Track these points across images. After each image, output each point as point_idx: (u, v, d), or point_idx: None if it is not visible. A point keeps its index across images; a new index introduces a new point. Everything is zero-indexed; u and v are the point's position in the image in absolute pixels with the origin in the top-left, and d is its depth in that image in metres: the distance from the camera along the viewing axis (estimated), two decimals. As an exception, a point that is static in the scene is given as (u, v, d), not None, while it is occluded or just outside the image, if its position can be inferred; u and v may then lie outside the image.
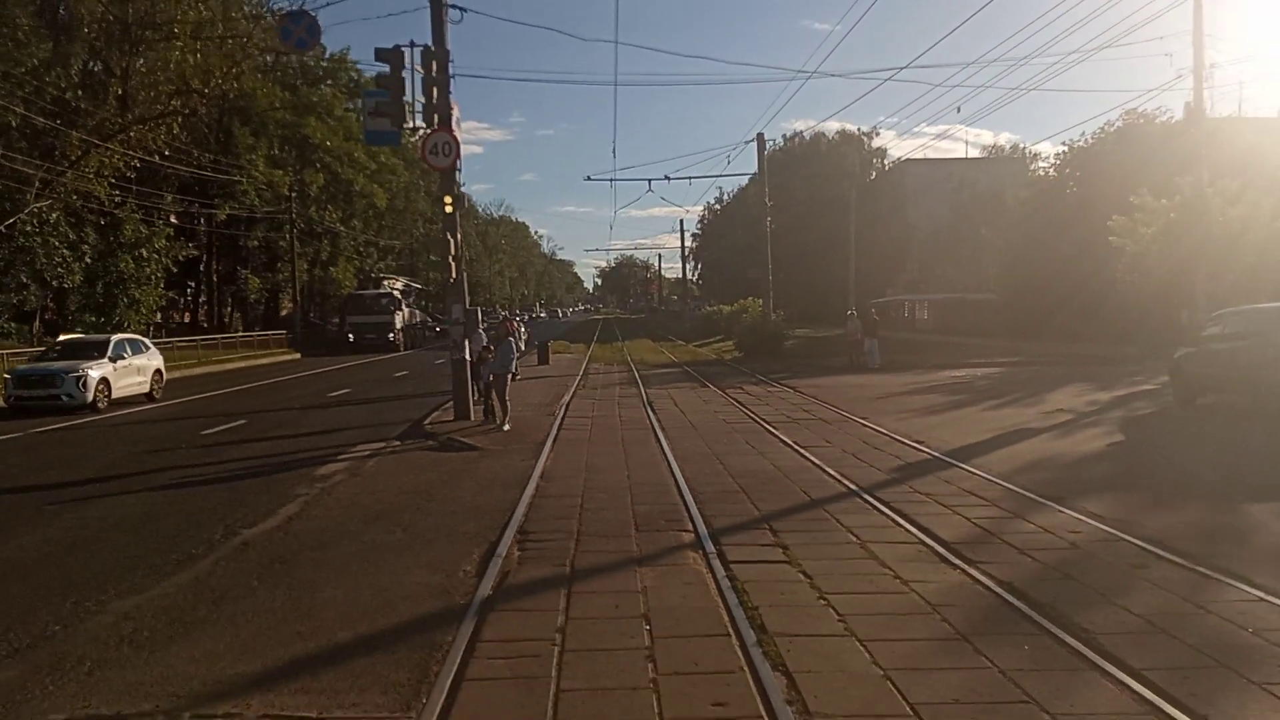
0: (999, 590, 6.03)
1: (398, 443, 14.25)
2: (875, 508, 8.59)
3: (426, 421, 16.23)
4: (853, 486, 9.57)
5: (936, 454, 11.55)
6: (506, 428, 14.82)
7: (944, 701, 4.35)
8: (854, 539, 7.45)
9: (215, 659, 5.22)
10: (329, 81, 53.04)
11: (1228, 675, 4.65)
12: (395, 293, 48.40)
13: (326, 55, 48.92)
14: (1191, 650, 4.98)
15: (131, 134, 30.11)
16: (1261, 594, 5.84)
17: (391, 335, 44.58)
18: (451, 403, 16.77)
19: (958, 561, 6.73)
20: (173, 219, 36.24)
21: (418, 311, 54.92)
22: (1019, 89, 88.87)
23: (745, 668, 4.79)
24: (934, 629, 5.39)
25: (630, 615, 5.70)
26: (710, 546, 7.25)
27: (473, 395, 16.27)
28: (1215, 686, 4.52)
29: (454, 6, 15.10)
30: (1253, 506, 8.51)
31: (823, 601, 5.88)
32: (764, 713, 4.26)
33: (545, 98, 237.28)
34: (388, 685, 4.72)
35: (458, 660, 4.97)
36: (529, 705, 4.42)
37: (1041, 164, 54.43)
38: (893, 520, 8.07)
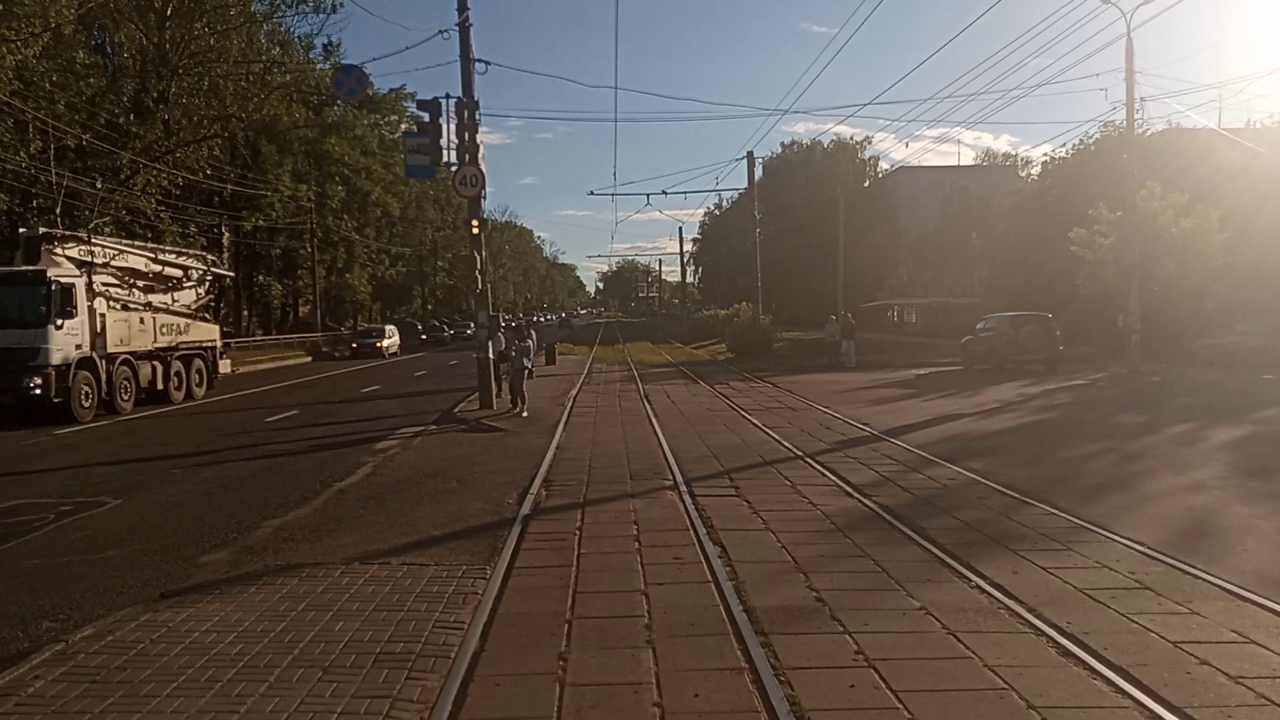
0: (876, 509, 8.85)
1: (434, 426, 17.09)
2: (811, 466, 11.42)
3: (456, 410, 19.08)
4: (799, 453, 12.40)
5: (874, 432, 14.37)
6: (525, 414, 17.63)
7: (813, 556, 7.16)
8: (788, 483, 10.27)
9: (354, 545, 8.04)
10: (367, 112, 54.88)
11: (998, 547, 7.45)
12: (67, 270, 19.19)
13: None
14: (984, 536, 7.79)
15: (177, 154, 33.10)
16: (1051, 509, 8.66)
17: (34, 382, 17.92)
18: (474, 395, 19.62)
19: (856, 495, 9.55)
20: (192, 227, 39.05)
21: (207, 320, 26.24)
22: (1014, 91, 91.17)
23: (696, 544, 7.61)
24: (823, 527, 8.21)
25: (624, 522, 8.53)
26: (684, 488, 10.06)
27: (494, 388, 19.11)
28: (983, 550, 7.32)
29: (480, 60, 17.95)
30: (1076, 456, 11.35)
31: (755, 514, 8.70)
32: (703, 560, 7.08)
33: (544, 105, 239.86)
34: (473, 553, 7.55)
35: (514, 541, 7.79)
36: (562, 559, 7.24)
37: (1033, 171, 56.64)
38: (821, 473, 10.89)
